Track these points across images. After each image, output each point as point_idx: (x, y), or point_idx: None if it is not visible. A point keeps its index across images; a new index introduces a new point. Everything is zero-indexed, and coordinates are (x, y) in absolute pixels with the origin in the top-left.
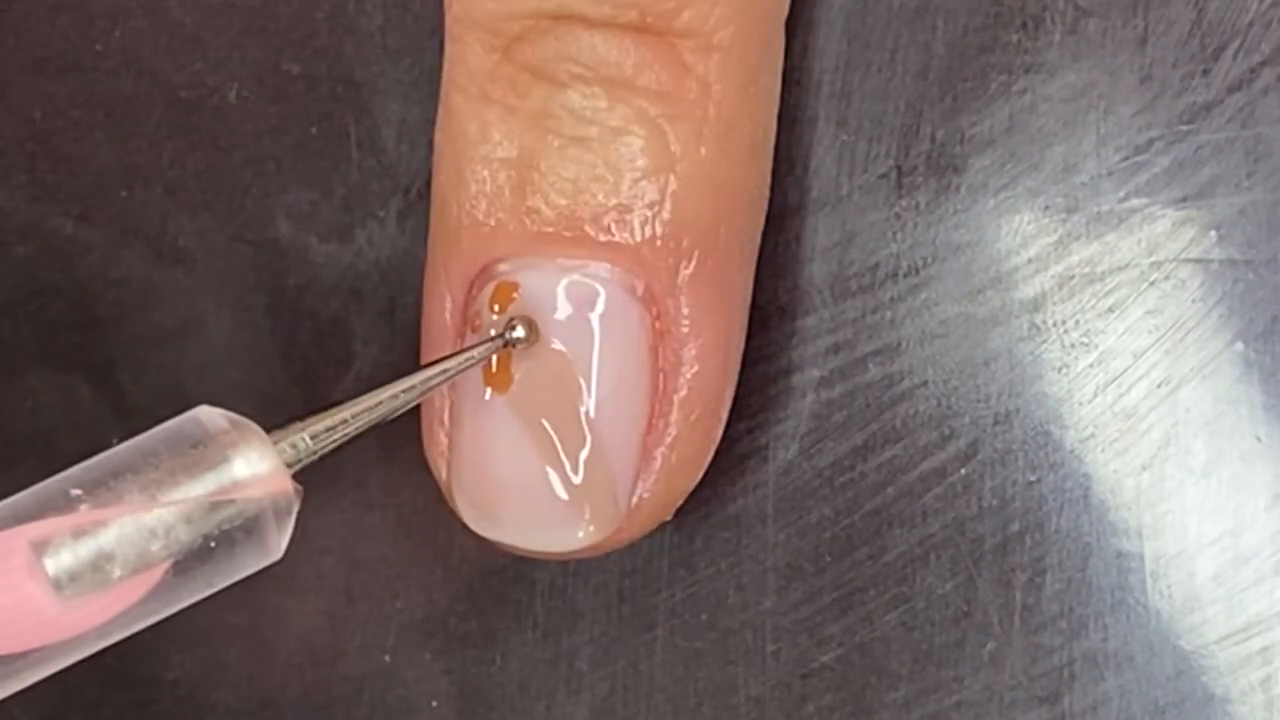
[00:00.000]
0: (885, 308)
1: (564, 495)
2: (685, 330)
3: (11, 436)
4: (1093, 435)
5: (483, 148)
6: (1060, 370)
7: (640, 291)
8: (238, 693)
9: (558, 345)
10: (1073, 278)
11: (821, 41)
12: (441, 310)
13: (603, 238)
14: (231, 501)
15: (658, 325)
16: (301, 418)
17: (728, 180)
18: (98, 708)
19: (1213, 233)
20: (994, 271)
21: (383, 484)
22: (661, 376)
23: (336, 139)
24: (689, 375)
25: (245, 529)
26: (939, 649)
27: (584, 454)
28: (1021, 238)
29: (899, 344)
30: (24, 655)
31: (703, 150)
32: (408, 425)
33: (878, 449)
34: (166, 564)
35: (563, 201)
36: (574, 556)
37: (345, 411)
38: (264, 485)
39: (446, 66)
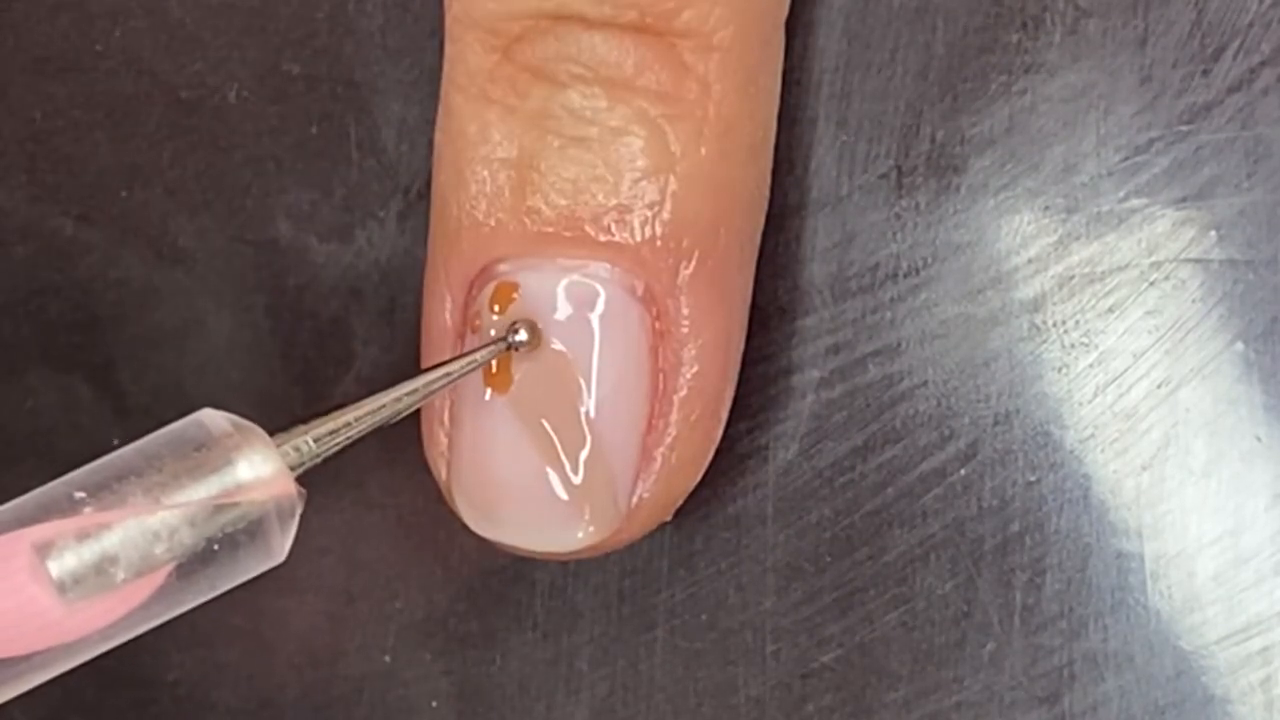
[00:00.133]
0: (885, 308)
1: (564, 495)
2: (685, 330)
3: (11, 436)
4: (1093, 435)
5: (483, 148)
6: (1060, 370)
7: (640, 292)
8: (238, 693)
9: (558, 345)
10: (1073, 278)
11: (821, 41)
12: (441, 310)
13: (603, 238)
14: (235, 504)
15: (658, 325)
16: (305, 420)
17: (728, 180)
18: (98, 708)
19: (1213, 233)
20: (994, 271)
21: (383, 484)
22: (661, 377)
23: (336, 139)
24: (689, 375)
25: (248, 532)
26: (939, 649)
27: (584, 454)
28: (1021, 238)
29: (899, 344)
30: (27, 658)
31: (703, 150)
32: (408, 426)
33: (878, 449)
34: (170, 567)
35: (563, 202)
36: (574, 557)
37: (348, 414)
38: (267, 488)
39: (446, 66)
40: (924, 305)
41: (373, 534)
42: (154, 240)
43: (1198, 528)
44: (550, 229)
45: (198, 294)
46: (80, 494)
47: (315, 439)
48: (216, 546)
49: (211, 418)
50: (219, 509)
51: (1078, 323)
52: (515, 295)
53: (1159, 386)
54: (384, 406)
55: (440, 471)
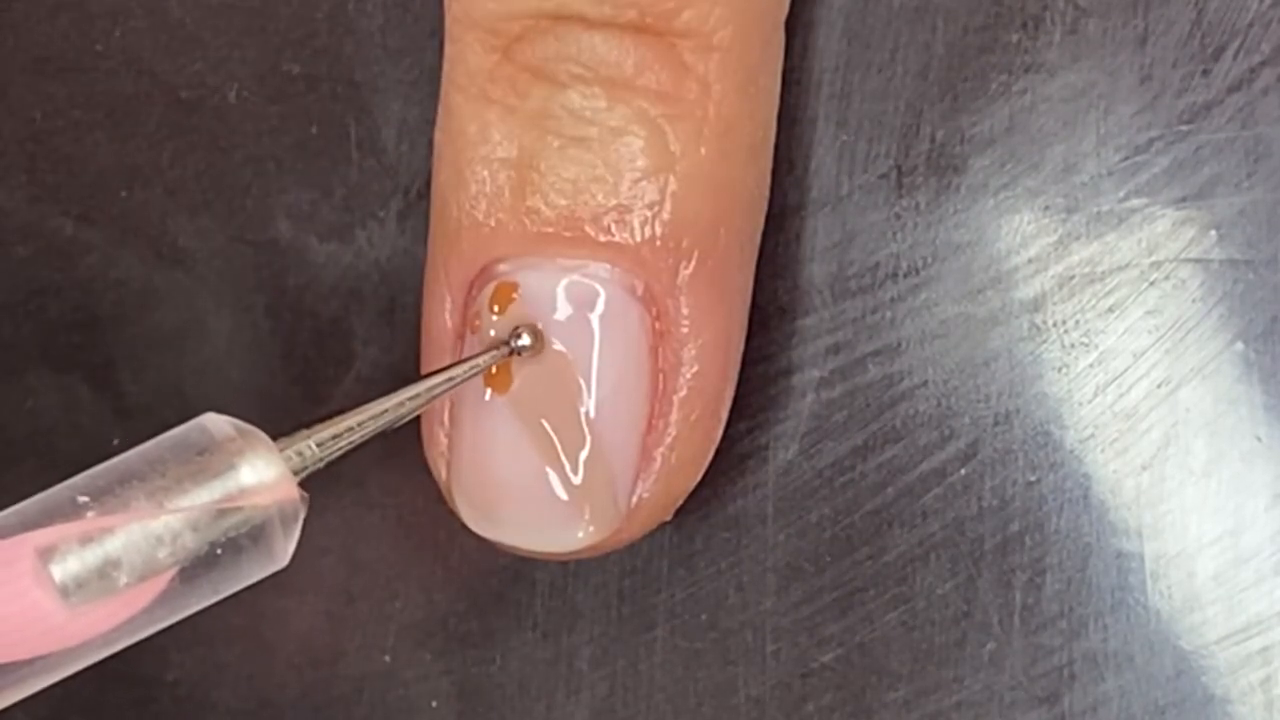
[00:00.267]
0: (885, 308)
1: (564, 496)
2: (685, 330)
3: (11, 436)
4: (1093, 435)
5: (483, 148)
6: (1060, 370)
7: (640, 292)
8: (238, 693)
9: (558, 346)
10: (1073, 278)
11: (821, 41)
12: (441, 310)
13: (602, 238)
14: (238, 509)
15: (658, 325)
16: (308, 425)
17: (728, 180)
18: (98, 708)
19: (1213, 233)
20: (994, 271)
21: (383, 484)
22: (661, 377)
23: (336, 139)
24: (689, 375)
25: (251, 536)
26: (939, 649)
27: (584, 454)
28: (1021, 238)
29: (899, 344)
30: (30, 662)
31: (702, 150)
32: (408, 426)
33: (878, 449)
34: (173, 571)
35: (563, 202)
36: (574, 557)
37: (351, 419)
38: (270, 493)
39: (446, 66)
40: (924, 305)
41: (373, 534)
42: (154, 240)
43: (1198, 528)
44: (550, 229)
45: (198, 294)
46: (83, 498)
47: (318, 443)
48: (219, 551)
49: (214, 422)
50: (222, 513)
51: (1078, 323)
52: (515, 295)
53: (1159, 386)
54: (387, 411)
55: (440, 472)
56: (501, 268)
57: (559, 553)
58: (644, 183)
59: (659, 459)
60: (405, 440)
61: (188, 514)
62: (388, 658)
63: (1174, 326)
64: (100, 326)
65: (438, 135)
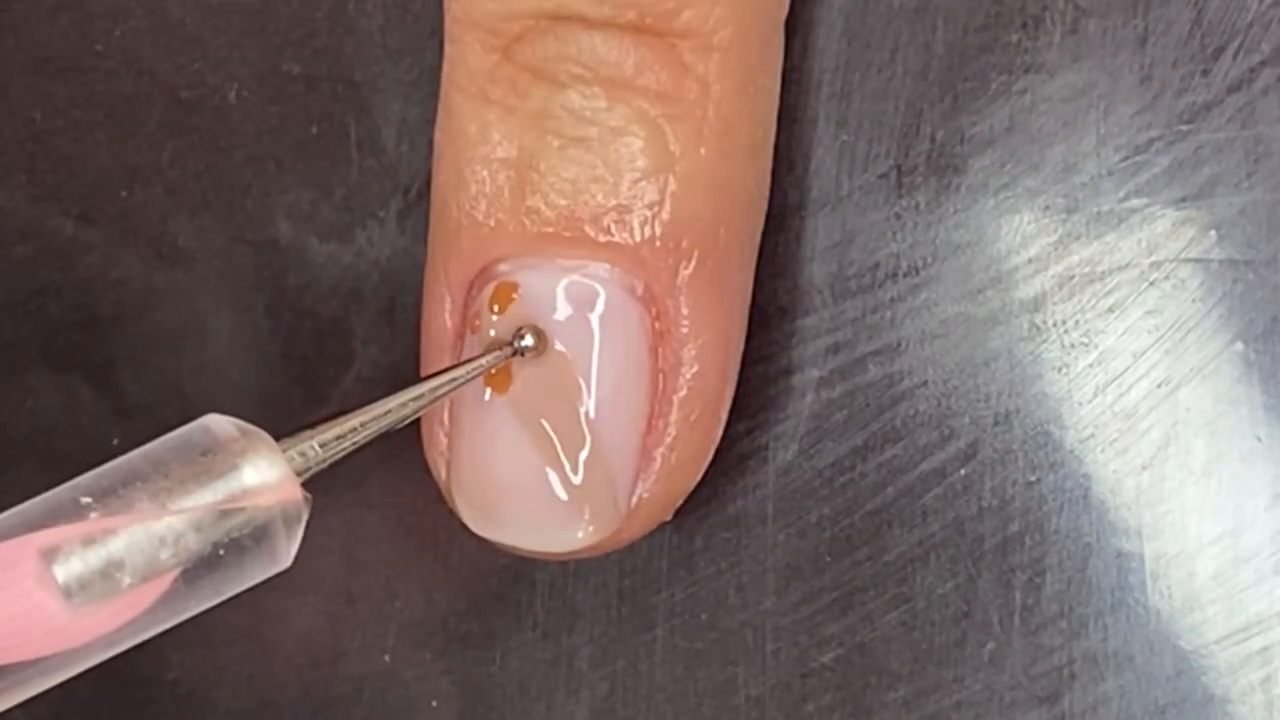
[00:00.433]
0: (885, 308)
1: (564, 496)
2: (685, 331)
3: (11, 436)
4: (1093, 435)
5: (482, 148)
6: (1060, 370)
7: (640, 292)
8: (238, 693)
9: (558, 346)
10: (1073, 278)
11: (821, 41)
12: (441, 310)
13: (602, 238)
14: (241, 509)
15: (657, 326)
16: (311, 425)
17: (727, 180)
18: (98, 708)
19: (1213, 233)
20: (994, 271)
21: (383, 484)
22: (661, 377)
23: (336, 139)
24: (689, 376)
25: (254, 537)
26: (939, 649)
27: (584, 454)
28: (1021, 238)
29: (899, 344)
30: (34, 663)
31: (702, 150)
32: (408, 426)
33: (878, 449)
34: (176, 572)
35: (562, 202)
36: (574, 557)
37: (355, 419)
38: (273, 493)
39: (446, 66)
40: (924, 305)
41: (373, 534)
42: (154, 240)
43: (1198, 528)
44: (550, 229)
45: (198, 294)
46: (86, 499)
47: (321, 444)
48: (222, 552)
49: (218, 423)
50: (225, 514)
51: (1078, 323)
52: (515, 295)
53: (1159, 386)
54: (390, 411)
55: (440, 472)
56: (501, 268)
57: (559, 553)
58: (644, 183)
59: (659, 459)
60: (405, 440)
61: (191, 515)
62: (388, 658)
63: (1174, 326)
64: (100, 326)
65: (438, 135)
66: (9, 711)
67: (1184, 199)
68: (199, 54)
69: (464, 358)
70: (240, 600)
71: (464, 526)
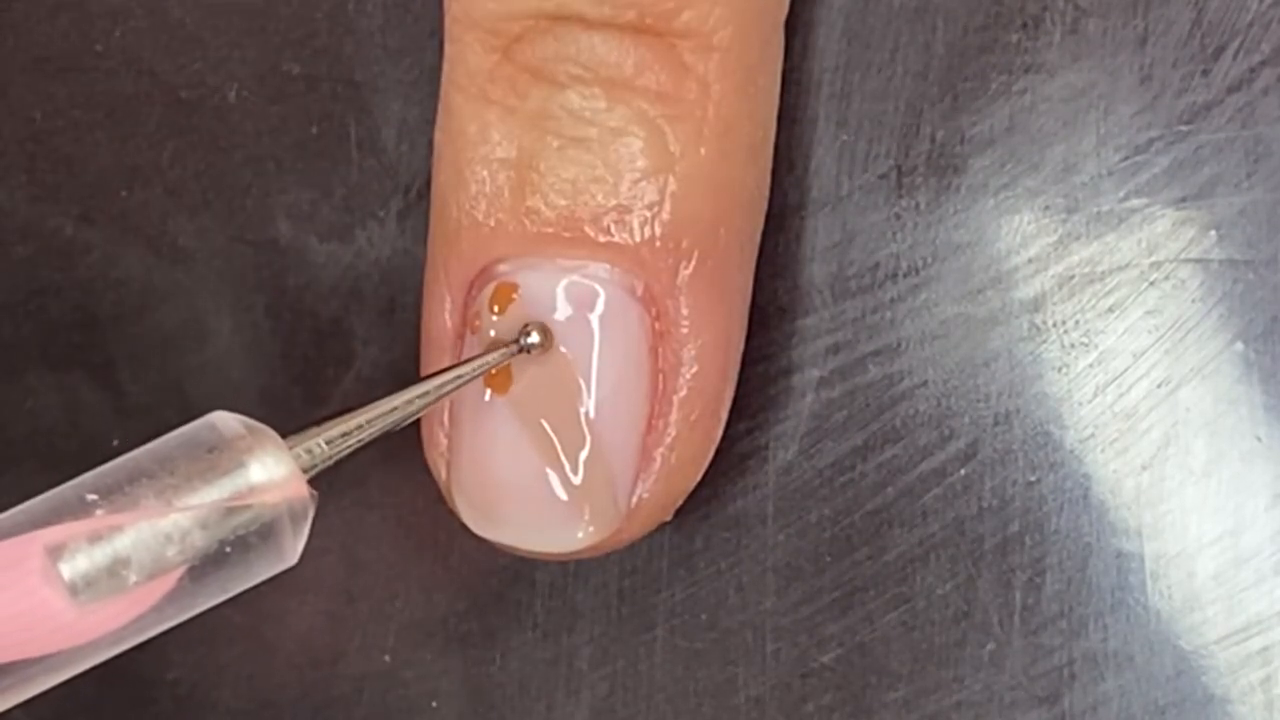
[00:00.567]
0: (885, 308)
1: (564, 496)
2: (685, 331)
3: (11, 436)
4: (1093, 435)
5: (482, 148)
6: (1060, 370)
7: (640, 292)
8: (238, 693)
9: (558, 346)
10: (1073, 278)
11: (821, 41)
12: (441, 310)
13: (602, 238)
14: (247, 507)
15: (657, 326)
16: (318, 423)
17: (727, 180)
18: (98, 707)
19: (1213, 233)
20: (994, 271)
21: (383, 484)
22: (661, 377)
23: (336, 139)
24: (689, 376)
25: (261, 534)
26: (939, 649)
27: (584, 455)
28: (1021, 238)
29: (899, 344)
30: (39, 660)
31: (702, 150)
32: (408, 426)
33: (878, 449)
34: (182, 569)
35: (562, 202)
36: (574, 557)
37: (360, 417)
38: (280, 490)
39: (446, 66)
40: (924, 305)
41: (373, 534)
42: (154, 240)
43: (1198, 528)
44: (550, 229)
45: (198, 294)
46: (92, 496)
47: (327, 441)
48: (228, 549)
49: (223, 420)
50: (231, 511)
51: (1078, 323)
52: (515, 296)
53: (1159, 386)
54: (396, 409)
55: (440, 472)
56: (501, 268)
57: (559, 553)
58: (644, 183)
59: (659, 459)
60: (405, 440)
61: (197, 512)
62: (388, 658)
63: (1174, 326)
64: (100, 326)
65: (438, 135)
66: (9, 711)
67: (1184, 199)
68: (199, 54)
69: (465, 358)
70: (240, 600)
71: (464, 526)
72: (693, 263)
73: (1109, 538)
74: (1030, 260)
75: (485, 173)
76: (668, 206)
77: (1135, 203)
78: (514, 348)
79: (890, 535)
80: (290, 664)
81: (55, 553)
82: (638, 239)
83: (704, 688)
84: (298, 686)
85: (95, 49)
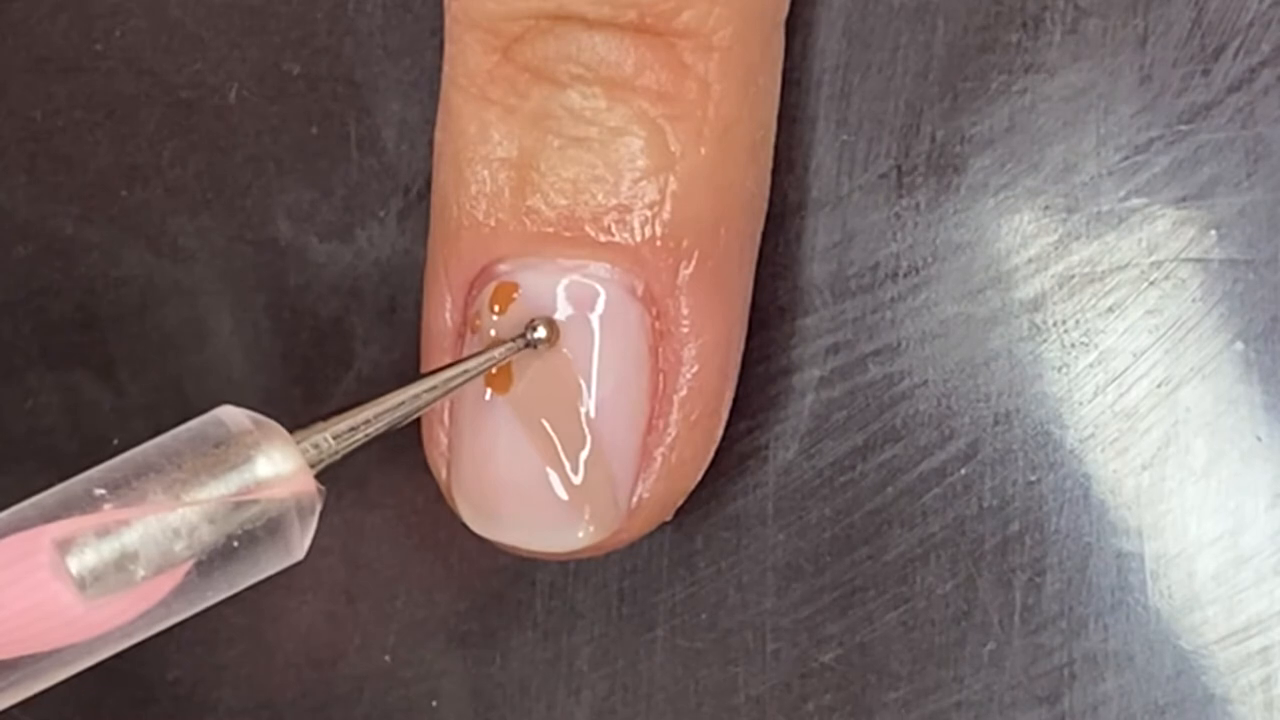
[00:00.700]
0: (885, 308)
1: (564, 496)
2: (685, 330)
3: (11, 436)
4: (1093, 435)
5: (483, 148)
6: (1060, 370)
7: (640, 292)
8: (238, 693)
9: (559, 346)
10: (1073, 278)
11: (821, 41)
12: (441, 310)
13: (602, 238)
14: (255, 501)
15: (658, 325)
16: (325, 417)
17: (728, 180)
18: (98, 707)
19: (1213, 233)
20: (994, 271)
21: (383, 484)
22: (661, 377)
23: (336, 139)
24: (689, 375)
25: (268, 529)
26: (939, 649)
27: (584, 454)
28: (1021, 238)
29: (899, 344)
30: (48, 655)
31: (702, 150)
32: (408, 426)
33: (878, 449)
34: (189, 564)
35: (563, 202)
36: (574, 557)
37: (368, 411)
38: (287, 485)
39: (446, 66)
40: (924, 305)
41: (373, 534)
42: (154, 240)
43: (1198, 528)
44: (550, 229)
45: (198, 294)
46: (100, 491)
47: (335, 436)
48: (236, 544)
49: (231, 414)
50: (239, 506)
51: (1078, 323)
52: (515, 295)
53: (1159, 386)
54: (403, 404)
55: (440, 472)
56: (502, 268)
57: (559, 553)
58: (644, 183)
59: (659, 459)
60: (405, 440)
61: (204, 506)
62: (388, 658)
63: (1174, 326)
64: (101, 326)
65: (438, 135)
66: (8, 710)
67: (1184, 199)
68: (199, 54)
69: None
70: (240, 600)
71: (464, 526)
72: (693, 262)
73: (1109, 538)
74: (1030, 260)
75: (486, 172)
76: (668, 206)
77: (1135, 202)
78: (520, 342)
79: (890, 535)
80: (290, 664)
81: (63, 547)
82: (638, 239)
83: (704, 688)
84: (298, 686)
85: (95, 49)
